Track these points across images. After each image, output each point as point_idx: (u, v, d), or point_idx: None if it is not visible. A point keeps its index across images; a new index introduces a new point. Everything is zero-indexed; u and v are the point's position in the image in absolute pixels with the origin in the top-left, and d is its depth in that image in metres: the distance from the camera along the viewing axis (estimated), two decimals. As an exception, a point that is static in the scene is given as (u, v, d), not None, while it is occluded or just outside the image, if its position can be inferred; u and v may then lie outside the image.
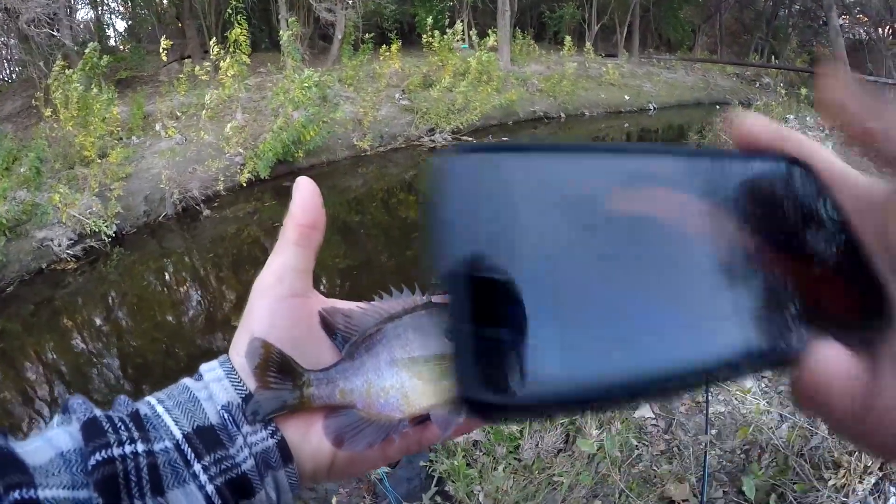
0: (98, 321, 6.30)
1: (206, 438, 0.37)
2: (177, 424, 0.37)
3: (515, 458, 2.90)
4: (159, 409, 0.38)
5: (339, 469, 0.42)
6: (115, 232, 7.53)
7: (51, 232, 7.12)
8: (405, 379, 0.42)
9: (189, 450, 0.36)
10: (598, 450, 2.65)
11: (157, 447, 0.36)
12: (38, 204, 7.21)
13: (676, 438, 3.06)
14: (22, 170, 7.90)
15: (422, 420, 0.43)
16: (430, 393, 0.42)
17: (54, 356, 5.65)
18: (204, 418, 0.38)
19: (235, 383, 0.40)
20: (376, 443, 0.41)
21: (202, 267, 7.54)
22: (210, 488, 0.36)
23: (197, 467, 0.36)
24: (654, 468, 2.89)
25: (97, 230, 7.30)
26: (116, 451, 0.34)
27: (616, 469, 2.74)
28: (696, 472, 2.78)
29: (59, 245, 7.05)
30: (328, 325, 0.44)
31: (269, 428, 0.39)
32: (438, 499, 2.91)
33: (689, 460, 2.89)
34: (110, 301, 6.73)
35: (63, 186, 7.69)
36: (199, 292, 6.93)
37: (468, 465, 2.87)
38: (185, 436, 0.37)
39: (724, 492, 2.70)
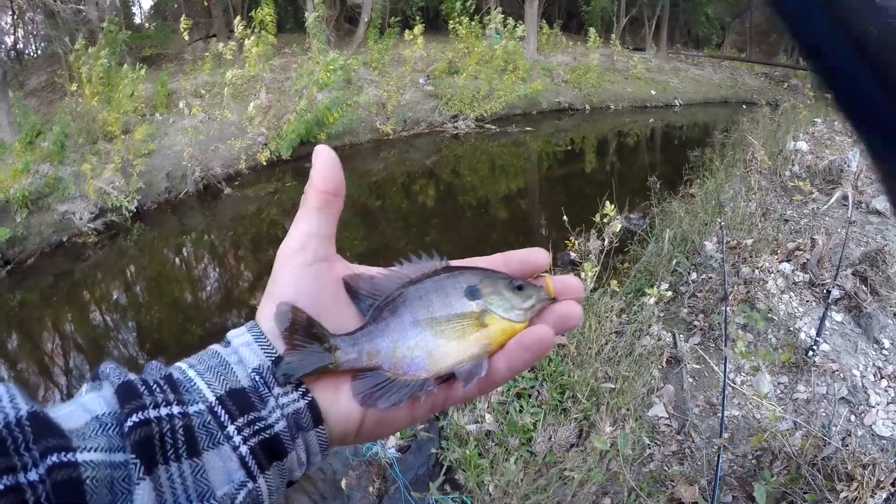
0: (116, 295, 6.37)
1: (239, 401, 0.38)
2: (209, 388, 0.38)
3: (528, 451, 2.90)
4: (191, 373, 0.39)
5: (367, 430, 0.43)
6: (136, 207, 7.60)
7: (72, 206, 7.20)
8: (429, 338, 0.44)
9: (223, 412, 0.37)
10: (611, 447, 2.64)
11: (191, 410, 0.36)
12: (60, 178, 7.28)
13: (689, 440, 3.05)
14: (45, 144, 7.98)
15: (446, 378, 0.44)
16: (454, 351, 0.44)
17: (72, 328, 5.71)
18: (236, 381, 0.39)
19: (265, 347, 0.41)
20: (403, 402, 0.42)
21: (221, 245, 7.59)
22: (244, 449, 0.36)
23: (231, 429, 0.37)
24: (665, 468, 2.88)
25: (118, 205, 7.36)
26: (153, 413, 0.34)
27: (627, 467, 2.73)
28: (707, 475, 2.76)
29: (81, 219, 7.12)
30: (352, 290, 0.46)
31: (300, 390, 0.40)
32: (447, 487, 2.92)
33: (700, 462, 2.87)
34: (129, 275, 6.79)
35: (93, 157, 7.77)
36: (217, 270, 6.98)
37: (480, 454, 2.87)
38: (218, 398, 0.37)
39: (733, 497, 2.68)
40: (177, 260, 7.35)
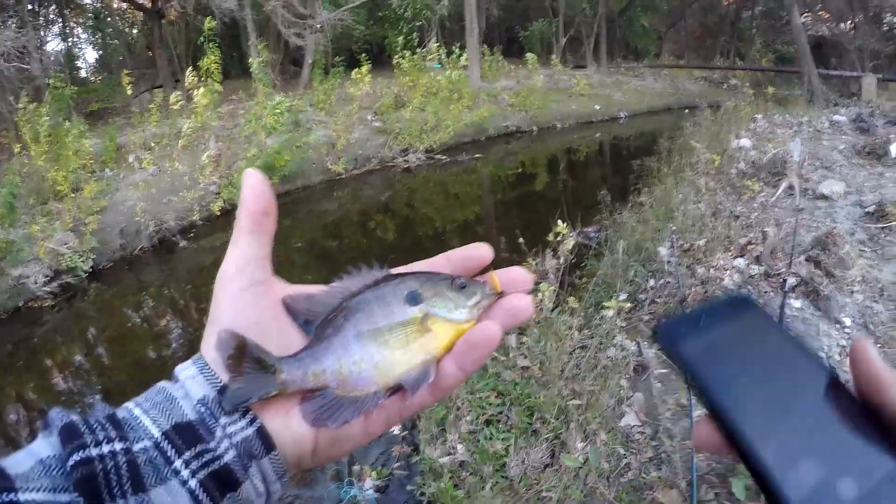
0: (78, 358, 6.20)
1: (186, 434, 0.37)
2: (155, 423, 0.37)
3: (503, 476, 2.89)
4: (137, 411, 0.38)
5: (323, 451, 0.42)
6: (91, 267, 7.42)
7: (27, 269, 7.00)
8: (373, 350, 0.43)
9: (169, 447, 0.36)
10: (584, 463, 2.64)
11: (136, 447, 0.36)
12: (12, 241, 7.09)
13: (664, 444, 3.06)
14: (-5, 207, 7.79)
15: (398, 389, 0.43)
16: (400, 360, 0.43)
17: (35, 396, 5.55)
18: (182, 415, 0.38)
19: (209, 377, 0.40)
20: (354, 418, 0.41)
21: (181, 299, 7.46)
22: (193, 483, 0.36)
23: (178, 463, 0.36)
24: (643, 476, 2.89)
25: (73, 266, 7.19)
26: (94, 451, 0.34)
27: (605, 480, 2.74)
28: (686, 476, 2.77)
29: (36, 282, 6.93)
30: (293, 310, 0.45)
31: (247, 417, 0.39)
32: (429, 523, 2.89)
33: (677, 465, 2.89)
34: (90, 337, 6.62)
35: (42, 219, 7.61)
36: (178, 325, 6.85)
37: (455, 486, 2.85)
38: (163, 433, 0.37)
39: (715, 493, 2.69)
40: (137, 317, 7.20)
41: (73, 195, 8.51)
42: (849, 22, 19.27)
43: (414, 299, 0.45)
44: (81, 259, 7.29)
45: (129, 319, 7.09)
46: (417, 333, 0.44)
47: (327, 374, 0.42)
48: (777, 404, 0.36)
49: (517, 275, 0.47)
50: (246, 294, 0.43)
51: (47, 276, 7.04)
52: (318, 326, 0.44)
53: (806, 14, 21.03)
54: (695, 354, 0.39)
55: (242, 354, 0.40)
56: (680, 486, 2.72)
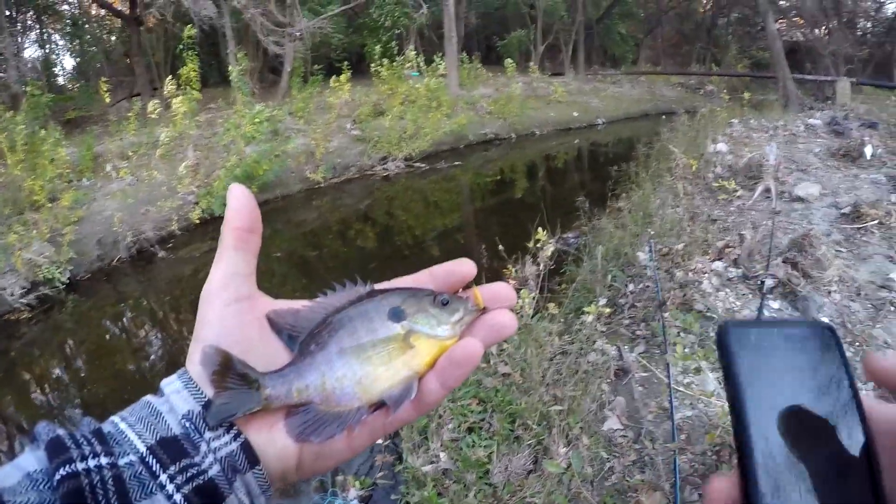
0: (56, 372, 6.11)
1: (171, 449, 0.37)
2: (140, 438, 0.38)
3: (486, 484, 2.88)
4: (122, 425, 0.38)
5: (307, 466, 0.43)
6: (68, 278, 7.30)
7: (3, 281, 6.88)
8: (356, 366, 0.43)
9: (154, 461, 0.36)
10: (567, 468, 2.65)
11: (121, 461, 0.36)
12: (-12, 252, 6.98)
13: (646, 447, 3.08)
14: (-31, 218, 7.66)
15: (381, 405, 0.43)
16: (383, 376, 0.43)
17: (13, 410, 5.46)
18: (167, 430, 0.38)
19: (194, 392, 0.40)
20: (336, 434, 0.42)
21: (160, 310, 7.38)
22: (178, 497, 0.36)
23: (163, 478, 0.36)
24: (627, 479, 2.90)
25: (50, 277, 7.09)
26: (80, 466, 0.34)
27: (588, 485, 2.74)
28: (670, 478, 2.79)
29: (12, 294, 6.81)
30: (277, 326, 0.45)
31: (232, 432, 0.40)
32: (412, 531, 2.88)
33: (660, 468, 2.90)
34: (68, 350, 6.53)
35: (19, 228, 7.49)
36: (157, 336, 6.78)
37: (439, 494, 2.84)
38: (148, 448, 0.37)
39: (699, 495, 2.70)
40: (115, 329, 7.11)
41: (49, 205, 8.39)
42: (823, 27, 19.59)
43: (397, 316, 0.45)
44: (59, 270, 7.18)
45: (107, 331, 7.01)
46: (400, 350, 0.44)
47: (311, 389, 0.42)
48: (802, 476, 0.35)
49: (500, 290, 0.47)
50: (230, 309, 0.43)
51: (24, 288, 6.92)
52: (302, 342, 0.44)
53: (781, 20, 21.36)
54: (747, 376, 0.37)
55: (227, 370, 0.40)
56: (664, 488, 2.73)
